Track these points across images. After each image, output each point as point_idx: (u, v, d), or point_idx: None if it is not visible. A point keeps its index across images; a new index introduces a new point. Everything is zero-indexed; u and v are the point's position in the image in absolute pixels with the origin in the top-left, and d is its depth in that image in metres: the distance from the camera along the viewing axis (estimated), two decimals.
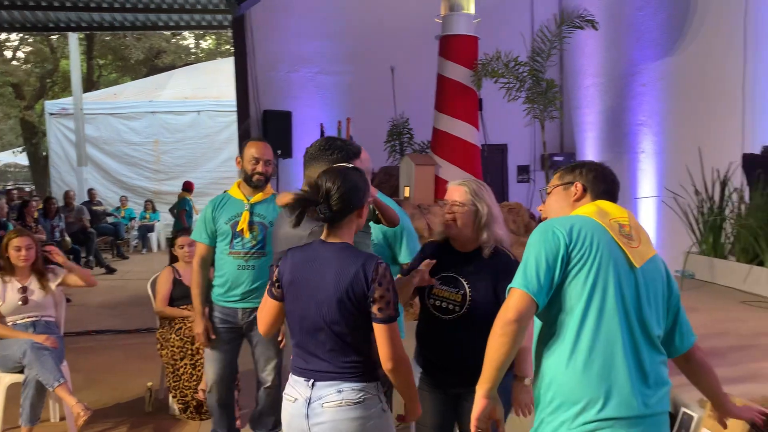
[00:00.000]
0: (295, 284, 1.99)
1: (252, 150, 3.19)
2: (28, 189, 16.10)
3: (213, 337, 3.27)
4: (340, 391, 1.92)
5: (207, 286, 3.30)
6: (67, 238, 9.07)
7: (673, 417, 2.49)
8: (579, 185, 1.89)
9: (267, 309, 2.09)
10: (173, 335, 4.16)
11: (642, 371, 1.67)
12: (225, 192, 3.34)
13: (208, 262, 3.32)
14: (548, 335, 1.74)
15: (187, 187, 10.55)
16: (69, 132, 14.35)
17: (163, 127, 14.29)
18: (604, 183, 1.88)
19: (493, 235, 2.37)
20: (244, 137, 9.37)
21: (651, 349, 1.70)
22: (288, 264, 2.02)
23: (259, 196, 3.23)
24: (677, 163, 6.16)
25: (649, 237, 1.82)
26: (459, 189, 2.40)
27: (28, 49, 20.35)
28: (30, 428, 3.52)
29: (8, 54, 20.82)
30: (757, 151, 5.17)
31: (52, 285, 3.84)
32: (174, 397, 4.15)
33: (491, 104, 7.52)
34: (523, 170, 9.92)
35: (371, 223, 2.41)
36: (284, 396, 2.04)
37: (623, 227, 1.75)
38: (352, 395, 1.91)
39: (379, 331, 1.90)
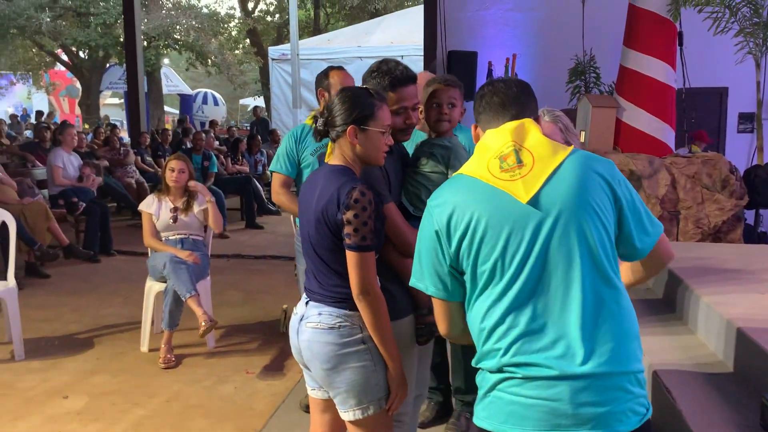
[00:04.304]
0: (299, 203, 2.05)
1: (334, 80, 3.06)
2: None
3: None
4: (320, 314, 1.92)
5: None
6: (268, 172, 9.91)
7: None
8: (474, 128, 1.67)
9: None
10: None
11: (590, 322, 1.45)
12: (304, 123, 3.27)
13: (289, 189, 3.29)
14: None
15: None
16: (287, 76, 15.54)
17: None
18: (490, 107, 1.59)
19: None
20: None
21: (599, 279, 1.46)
22: (302, 184, 2.10)
23: None
24: None
25: (555, 145, 1.50)
26: None
27: None
28: (169, 332, 3.97)
29: (251, 5, 23.06)
30: None
31: (195, 209, 4.20)
32: None
33: (703, 40, 6.48)
34: (745, 118, 8.49)
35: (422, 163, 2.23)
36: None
37: (504, 159, 1.49)
38: (328, 320, 1.90)
39: (348, 256, 1.85)
